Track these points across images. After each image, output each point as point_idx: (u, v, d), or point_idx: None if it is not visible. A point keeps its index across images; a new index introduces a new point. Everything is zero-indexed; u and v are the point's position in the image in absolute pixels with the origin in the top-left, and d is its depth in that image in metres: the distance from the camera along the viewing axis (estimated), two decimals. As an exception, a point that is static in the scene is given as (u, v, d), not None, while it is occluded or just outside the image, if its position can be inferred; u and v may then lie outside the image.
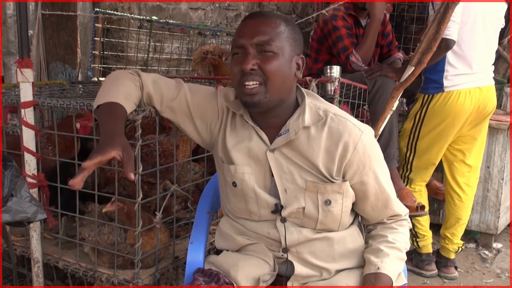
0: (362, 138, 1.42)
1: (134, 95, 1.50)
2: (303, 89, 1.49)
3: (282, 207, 1.45)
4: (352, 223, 1.53)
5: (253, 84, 1.36)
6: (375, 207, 1.50)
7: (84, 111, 1.78)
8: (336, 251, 1.49)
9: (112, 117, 1.40)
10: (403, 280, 1.52)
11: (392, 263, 1.44)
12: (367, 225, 1.59)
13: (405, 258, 1.51)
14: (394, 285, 1.44)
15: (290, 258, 1.49)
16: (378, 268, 1.42)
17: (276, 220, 1.47)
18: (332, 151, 1.41)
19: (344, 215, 1.47)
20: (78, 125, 2.02)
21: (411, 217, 2.83)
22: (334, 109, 1.47)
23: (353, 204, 1.51)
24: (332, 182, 1.43)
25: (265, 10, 1.53)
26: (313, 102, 1.47)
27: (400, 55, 3.13)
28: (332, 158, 1.41)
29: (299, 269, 1.48)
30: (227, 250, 1.59)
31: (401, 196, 2.64)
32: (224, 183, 1.54)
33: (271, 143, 1.45)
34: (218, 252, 1.65)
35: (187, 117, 1.54)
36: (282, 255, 1.49)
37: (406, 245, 1.51)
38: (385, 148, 2.62)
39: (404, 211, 1.55)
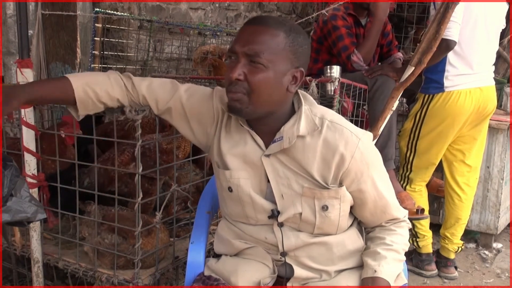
0: (360, 145, 1.39)
1: (102, 87, 1.50)
2: (301, 93, 1.45)
3: (278, 212, 1.44)
4: (351, 225, 1.52)
5: (237, 93, 1.34)
6: (373, 212, 1.48)
7: (67, 118, 1.77)
8: (335, 254, 1.48)
9: (46, 80, 1.42)
10: (403, 280, 1.52)
11: (389, 265, 1.43)
12: (365, 227, 1.58)
13: (404, 259, 1.50)
14: (393, 285, 1.43)
15: (288, 261, 1.48)
16: (375, 271, 1.42)
17: (273, 224, 1.46)
18: (328, 160, 1.39)
19: (342, 219, 1.46)
20: (62, 134, 2.01)
21: (410, 220, 2.84)
22: (330, 115, 1.44)
23: (351, 209, 1.49)
24: (328, 188, 1.41)
25: (270, 16, 1.44)
26: (310, 108, 1.43)
27: (400, 54, 3.14)
28: (329, 166, 1.39)
29: (299, 271, 1.48)
30: (226, 255, 1.59)
31: (399, 199, 2.64)
32: (220, 187, 1.54)
33: (266, 147, 1.43)
34: (217, 255, 1.64)
35: (183, 120, 1.53)
36: (281, 258, 1.48)
37: (404, 246, 1.51)
38: (382, 148, 2.62)
39: (402, 214, 1.53)
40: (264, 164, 1.43)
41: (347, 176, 1.41)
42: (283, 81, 1.36)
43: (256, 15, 1.40)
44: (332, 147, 1.39)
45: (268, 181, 1.44)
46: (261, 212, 1.46)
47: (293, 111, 1.44)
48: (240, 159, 1.45)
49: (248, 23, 1.38)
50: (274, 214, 1.44)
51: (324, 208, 1.42)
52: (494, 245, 3.44)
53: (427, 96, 2.74)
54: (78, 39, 3.21)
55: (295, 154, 1.41)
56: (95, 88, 1.50)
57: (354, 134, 1.40)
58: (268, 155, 1.43)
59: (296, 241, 1.46)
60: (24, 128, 1.89)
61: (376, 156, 1.46)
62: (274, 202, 1.45)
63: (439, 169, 3.07)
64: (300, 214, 1.43)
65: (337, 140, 1.39)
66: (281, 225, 1.45)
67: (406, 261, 1.56)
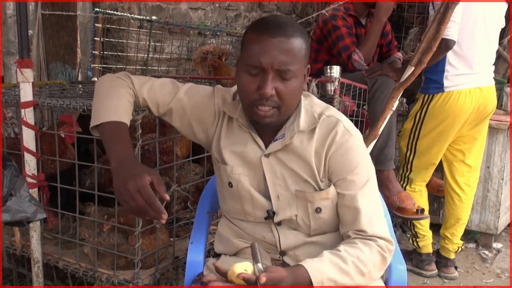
0: (349, 139, 1.39)
1: (131, 107, 1.48)
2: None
3: (274, 213, 1.44)
4: None
5: (268, 109, 1.33)
6: (345, 215, 1.42)
7: (66, 118, 1.76)
8: None
9: (123, 141, 1.37)
10: None
11: (321, 264, 1.30)
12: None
13: (349, 272, 1.31)
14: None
15: (287, 261, 1.48)
16: (301, 261, 1.32)
17: (271, 223, 1.47)
18: (320, 151, 1.40)
19: (336, 217, 1.46)
20: (62, 134, 2.01)
21: (410, 220, 2.84)
22: (330, 111, 1.45)
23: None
24: (320, 189, 1.41)
25: (284, 23, 1.42)
26: (309, 104, 1.45)
27: (399, 55, 3.14)
28: (320, 158, 1.41)
29: None
30: (225, 255, 1.59)
31: (400, 199, 2.64)
32: (220, 183, 1.54)
33: (266, 147, 1.43)
34: (217, 255, 1.64)
35: (184, 120, 1.53)
36: (279, 258, 1.49)
37: (358, 262, 1.32)
38: (382, 149, 2.62)
39: (373, 230, 1.38)
40: (263, 165, 1.43)
41: (331, 166, 1.40)
42: (303, 85, 1.40)
43: (270, 23, 1.37)
44: (323, 138, 1.40)
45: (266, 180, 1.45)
46: (259, 209, 1.46)
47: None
48: (239, 158, 1.46)
49: (267, 35, 1.32)
50: (269, 215, 1.45)
51: (318, 210, 1.42)
52: (494, 245, 3.44)
53: (427, 96, 2.74)
54: (78, 39, 3.22)
55: (295, 149, 1.41)
56: (131, 112, 1.49)
57: (347, 129, 1.41)
58: (267, 155, 1.43)
59: (295, 240, 1.46)
60: (24, 128, 1.89)
61: (364, 159, 1.43)
62: (271, 202, 1.45)
63: (439, 169, 3.07)
64: (296, 216, 1.43)
65: (329, 132, 1.40)
66: (278, 224, 1.46)
67: (406, 261, 1.55)
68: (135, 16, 3.93)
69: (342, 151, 1.39)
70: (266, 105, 1.33)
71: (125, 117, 1.43)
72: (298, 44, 1.34)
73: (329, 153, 1.40)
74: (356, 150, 1.41)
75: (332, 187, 1.42)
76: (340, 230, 1.46)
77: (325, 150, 1.40)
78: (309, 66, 1.42)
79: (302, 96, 1.44)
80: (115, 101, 1.44)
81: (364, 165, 1.43)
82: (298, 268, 1.29)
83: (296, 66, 1.33)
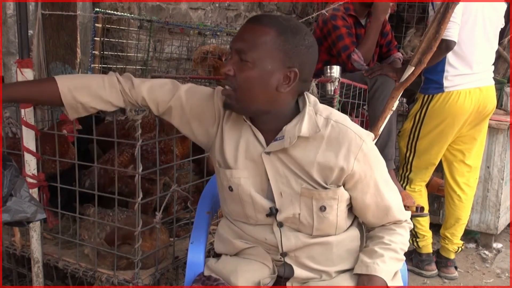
0: (363, 147, 1.39)
1: (92, 92, 1.53)
2: (306, 94, 1.44)
3: (277, 210, 1.44)
4: (351, 225, 1.52)
5: (227, 88, 1.37)
6: (376, 215, 1.48)
7: (66, 116, 1.77)
8: (335, 254, 1.48)
9: (32, 82, 1.46)
10: (399, 282, 1.50)
11: (386, 264, 1.43)
12: (367, 227, 1.58)
13: (402, 258, 1.49)
14: (390, 284, 1.43)
15: (288, 261, 1.48)
16: (368, 267, 1.42)
17: (273, 224, 1.46)
18: (330, 161, 1.38)
19: (340, 219, 1.46)
20: (65, 132, 2.02)
21: (411, 218, 2.84)
22: (336, 116, 1.43)
23: (354, 211, 1.50)
24: (327, 188, 1.40)
25: (269, 15, 1.43)
26: (314, 110, 1.42)
27: (399, 54, 3.14)
28: (331, 167, 1.39)
29: (298, 272, 1.48)
30: (226, 255, 1.59)
31: (399, 198, 2.64)
32: (221, 186, 1.53)
33: (267, 145, 1.43)
34: (217, 255, 1.64)
35: (184, 120, 1.53)
36: (280, 259, 1.48)
37: (403, 245, 1.49)
38: (383, 149, 2.62)
39: (405, 216, 1.53)
40: (264, 162, 1.43)
41: (351, 178, 1.41)
42: (270, 81, 1.35)
43: (256, 15, 1.42)
44: (335, 148, 1.39)
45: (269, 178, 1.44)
46: (261, 212, 1.46)
47: (297, 111, 1.43)
48: (241, 156, 1.45)
49: (247, 21, 1.41)
50: (272, 212, 1.44)
51: (322, 209, 1.42)
52: (494, 245, 3.44)
53: (426, 96, 2.74)
54: (78, 39, 3.21)
55: (296, 154, 1.40)
56: (83, 93, 1.52)
57: (358, 136, 1.40)
58: (268, 153, 1.42)
59: (296, 242, 1.45)
60: (24, 128, 1.89)
61: (378, 157, 1.46)
62: (274, 201, 1.45)
63: (439, 169, 3.07)
64: (299, 214, 1.43)
65: (341, 141, 1.39)
66: (280, 225, 1.45)
67: (406, 261, 1.56)
68: (135, 16, 3.93)
69: (360, 161, 1.39)
70: (226, 84, 1.37)
71: (67, 86, 1.51)
72: (267, 34, 1.33)
73: (349, 167, 1.38)
74: (371, 151, 1.43)
75: (341, 188, 1.42)
76: (369, 226, 1.54)
77: (340, 162, 1.38)
78: (295, 69, 1.35)
79: (307, 101, 1.42)
80: (80, 78, 1.55)
81: (381, 160, 1.47)
82: (373, 279, 1.41)
83: (254, 54, 1.32)
